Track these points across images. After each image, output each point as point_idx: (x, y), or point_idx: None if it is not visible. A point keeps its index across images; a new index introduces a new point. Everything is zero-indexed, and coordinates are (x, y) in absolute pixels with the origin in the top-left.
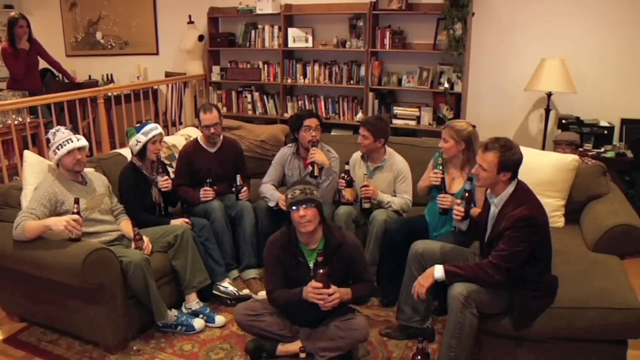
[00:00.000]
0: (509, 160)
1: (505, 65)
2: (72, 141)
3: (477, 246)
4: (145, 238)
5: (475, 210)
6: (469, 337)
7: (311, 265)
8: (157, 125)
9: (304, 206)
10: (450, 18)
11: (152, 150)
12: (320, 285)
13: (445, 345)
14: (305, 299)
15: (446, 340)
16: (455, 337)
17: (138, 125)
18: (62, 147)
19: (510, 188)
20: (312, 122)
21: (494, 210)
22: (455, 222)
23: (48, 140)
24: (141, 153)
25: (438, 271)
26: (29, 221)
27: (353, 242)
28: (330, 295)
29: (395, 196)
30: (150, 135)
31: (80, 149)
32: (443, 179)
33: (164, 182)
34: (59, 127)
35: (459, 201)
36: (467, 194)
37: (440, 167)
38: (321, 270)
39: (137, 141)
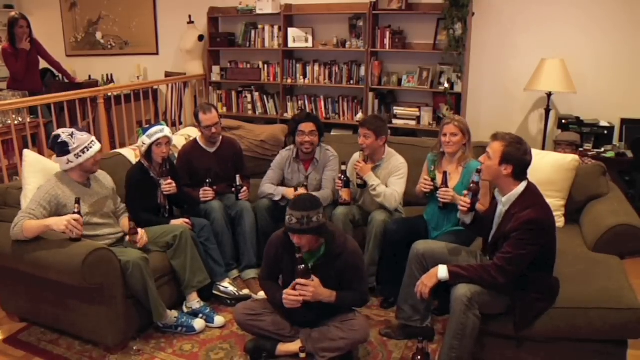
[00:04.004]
0: (513, 154)
1: (505, 65)
2: (95, 143)
3: (478, 245)
4: (140, 231)
5: (479, 206)
6: (471, 338)
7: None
8: (163, 127)
9: (298, 234)
10: (450, 18)
11: (156, 153)
12: (302, 281)
13: (447, 346)
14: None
15: (448, 341)
16: (458, 339)
17: (147, 126)
18: (87, 150)
19: (520, 188)
20: (306, 126)
21: (500, 209)
22: (461, 215)
23: (65, 144)
24: (147, 154)
25: (442, 271)
26: (27, 221)
27: (354, 251)
28: (304, 285)
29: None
30: (153, 138)
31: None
32: (445, 174)
33: (167, 186)
34: (72, 130)
35: (465, 192)
36: (473, 185)
37: (432, 174)
38: (302, 266)
39: (143, 143)
